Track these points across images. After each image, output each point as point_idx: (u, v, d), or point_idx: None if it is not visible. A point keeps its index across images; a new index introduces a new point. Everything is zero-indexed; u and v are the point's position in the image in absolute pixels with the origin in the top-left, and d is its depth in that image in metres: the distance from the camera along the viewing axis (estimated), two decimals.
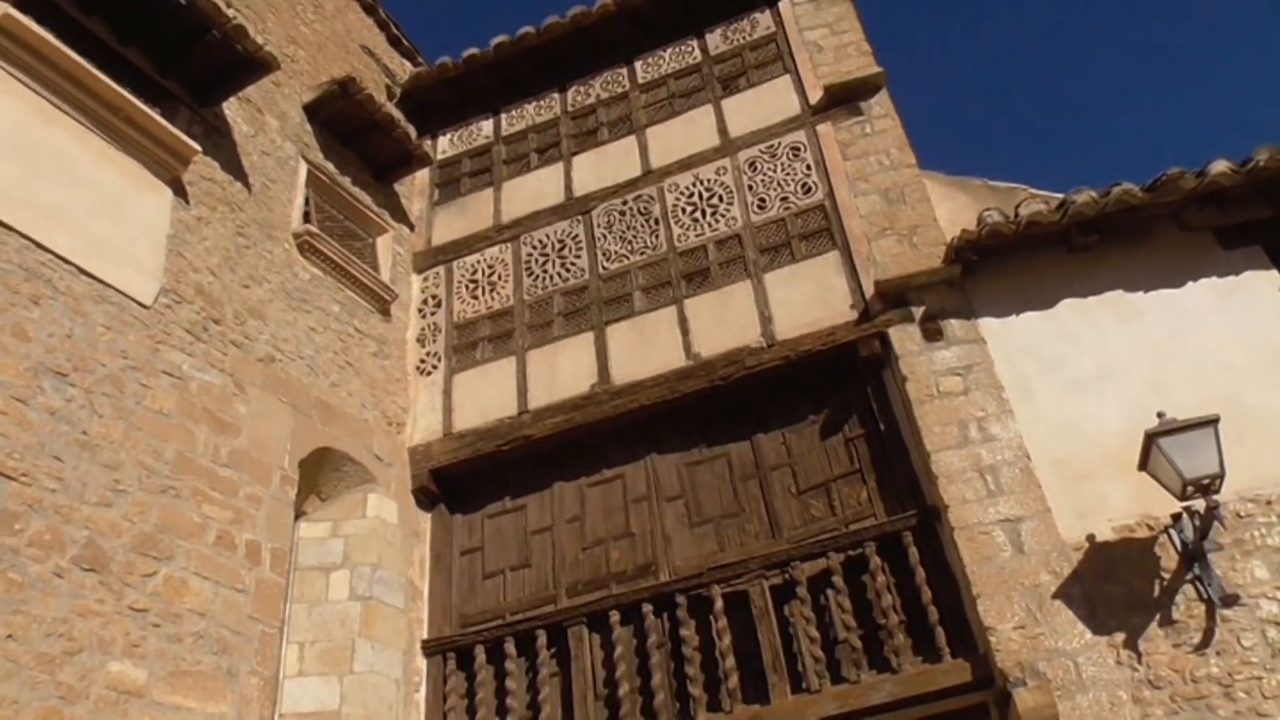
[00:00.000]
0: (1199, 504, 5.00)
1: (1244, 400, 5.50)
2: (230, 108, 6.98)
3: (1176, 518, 5.18)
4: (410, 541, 6.91)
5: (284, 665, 5.74)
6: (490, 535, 7.11)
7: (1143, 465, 5.24)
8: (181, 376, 5.67)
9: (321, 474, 6.60)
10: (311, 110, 7.87)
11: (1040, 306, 6.22)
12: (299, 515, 6.44)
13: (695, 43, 8.60)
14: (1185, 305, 5.98)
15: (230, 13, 6.50)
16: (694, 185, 7.75)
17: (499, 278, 8.05)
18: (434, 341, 7.93)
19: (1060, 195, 6.33)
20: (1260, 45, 19.83)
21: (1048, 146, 21.60)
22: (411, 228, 8.68)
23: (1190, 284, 6.03)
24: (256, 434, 6.00)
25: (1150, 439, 5.13)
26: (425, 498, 7.18)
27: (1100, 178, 17.33)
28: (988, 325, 6.24)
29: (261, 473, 5.93)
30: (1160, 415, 5.20)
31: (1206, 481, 4.95)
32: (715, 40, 8.53)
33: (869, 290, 6.56)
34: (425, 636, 6.66)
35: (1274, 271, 5.95)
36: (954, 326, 6.26)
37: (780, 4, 8.36)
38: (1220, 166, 5.87)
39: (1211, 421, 5.03)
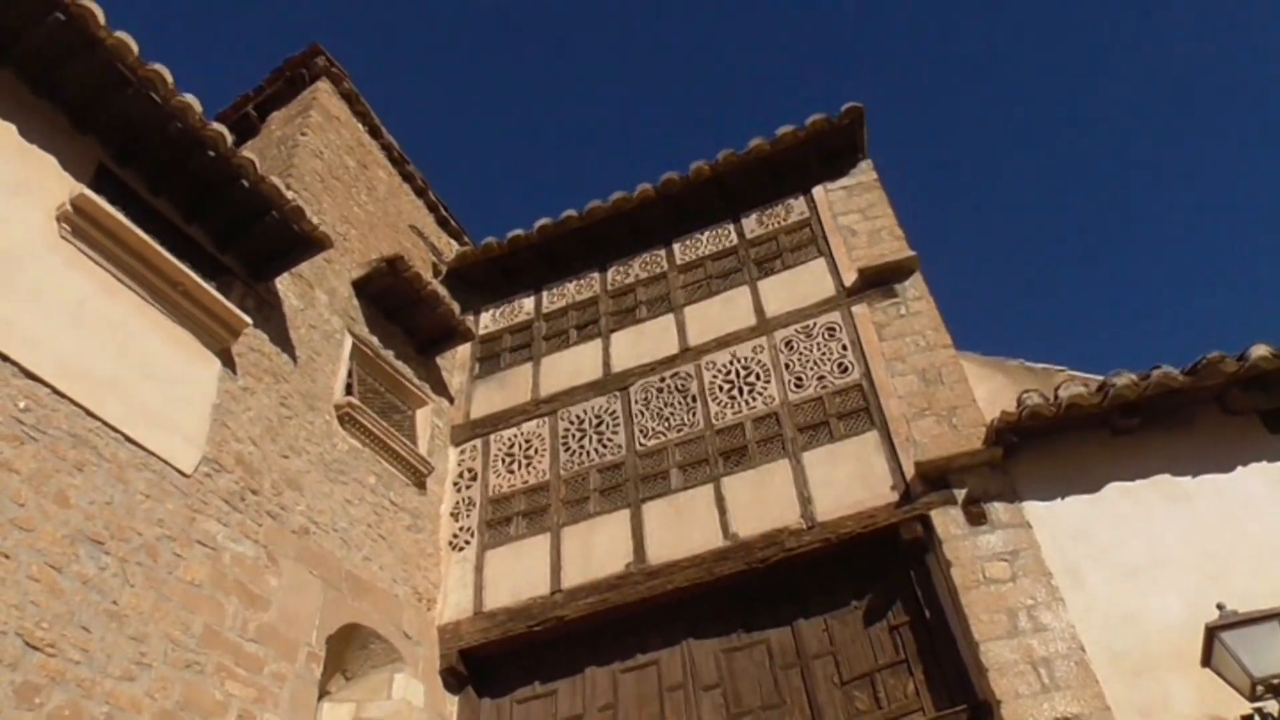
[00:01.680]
0: (1271, 705, 4.72)
1: None
2: (282, 282, 7.28)
3: (1248, 719, 4.88)
4: None
5: None
6: None
7: (1206, 661, 4.97)
8: (215, 547, 5.67)
9: (349, 651, 6.46)
10: (360, 285, 8.19)
11: (1086, 490, 6.13)
12: (322, 695, 6.25)
13: (732, 226, 8.96)
14: (1236, 490, 5.87)
15: (290, 194, 6.86)
16: (731, 363, 7.88)
17: (535, 452, 8.10)
18: (468, 516, 7.90)
19: (1099, 377, 6.36)
20: None
21: (1083, 327, 21.91)
22: (451, 401, 8.84)
23: (1240, 468, 5.94)
24: (286, 608, 5.92)
25: (1212, 633, 4.89)
26: (453, 679, 6.97)
27: (1138, 359, 17.47)
28: (1033, 509, 6.15)
29: (288, 649, 5.81)
30: (1220, 607, 4.98)
31: (1278, 681, 4.69)
32: (751, 224, 8.89)
33: (909, 471, 6.53)
34: None
35: None
36: (998, 510, 6.17)
37: (814, 190, 8.76)
38: (1261, 350, 5.90)
39: (1277, 614, 4.81)
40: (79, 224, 5.61)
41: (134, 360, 5.71)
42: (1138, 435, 6.16)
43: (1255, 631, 4.79)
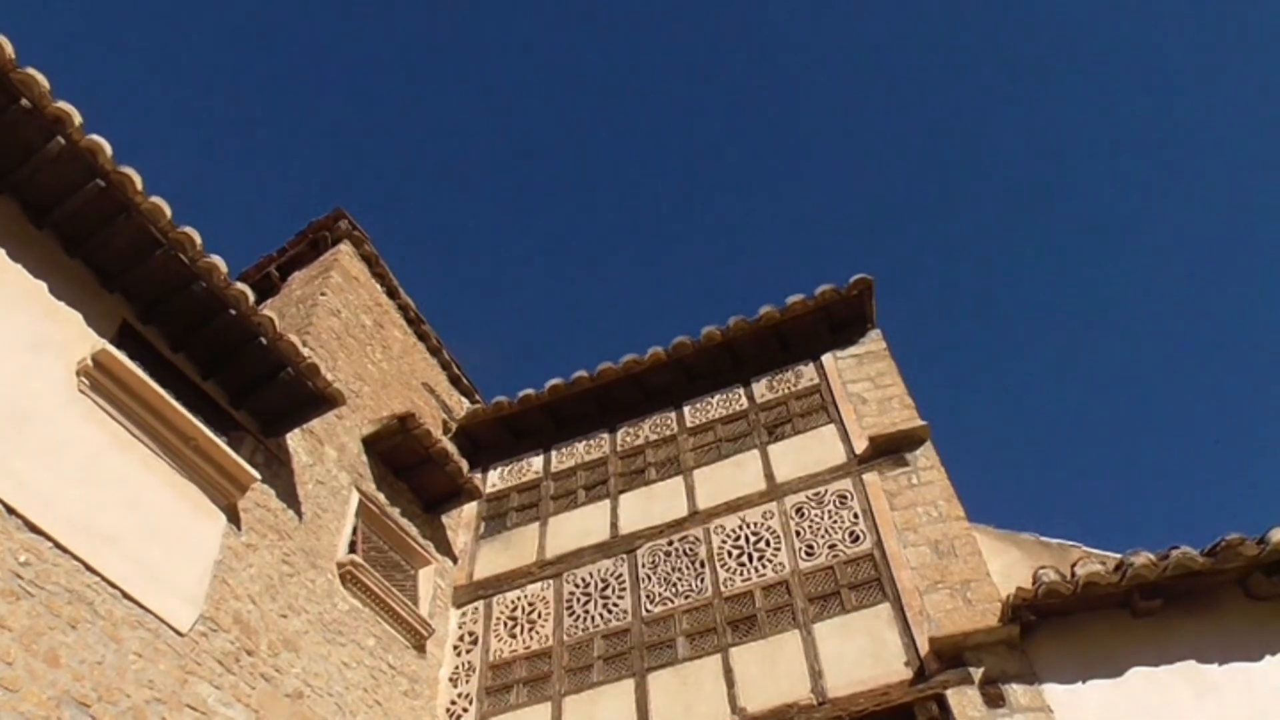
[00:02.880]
0: None
1: None
2: (293, 438, 7.31)
3: None
4: None
5: None
6: None
7: None
8: (206, 711, 5.46)
9: None
10: (370, 442, 8.22)
11: (1108, 674, 5.93)
12: None
13: (742, 390, 9.05)
14: (1266, 681, 5.66)
15: (306, 352, 6.96)
16: (740, 528, 7.80)
17: (539, 616, 7.92)
18: (467, 682, 7.66)
19: (1116, 555, 6.27)
20: None
21: (1097, 502, 21.65)
22: (455, 560, 8.72)
23: (1268, 658, 5.76)
24: None
25: None
26: None
27: (1153, 537, 17.21)
28: (1053, 692, 5.93)
29: None
30: None
31: None
32: (761, 389, 8.98)
33: (924, 647, 6.34)
34: None
35: None
36: (1017, 692, 5.96)
37: (824, 358, 8.89)
38: (1279, 535, 5.81)
39: None
40: (98, 379, 5.69)
41: (140, 515, 5.67)
42: (1160, 618, 6.00)
43: None
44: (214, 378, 6.69)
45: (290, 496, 7.04)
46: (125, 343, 6.06)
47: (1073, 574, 6.11)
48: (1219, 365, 21.63)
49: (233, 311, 6.33)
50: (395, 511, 8.18)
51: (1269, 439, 20.55)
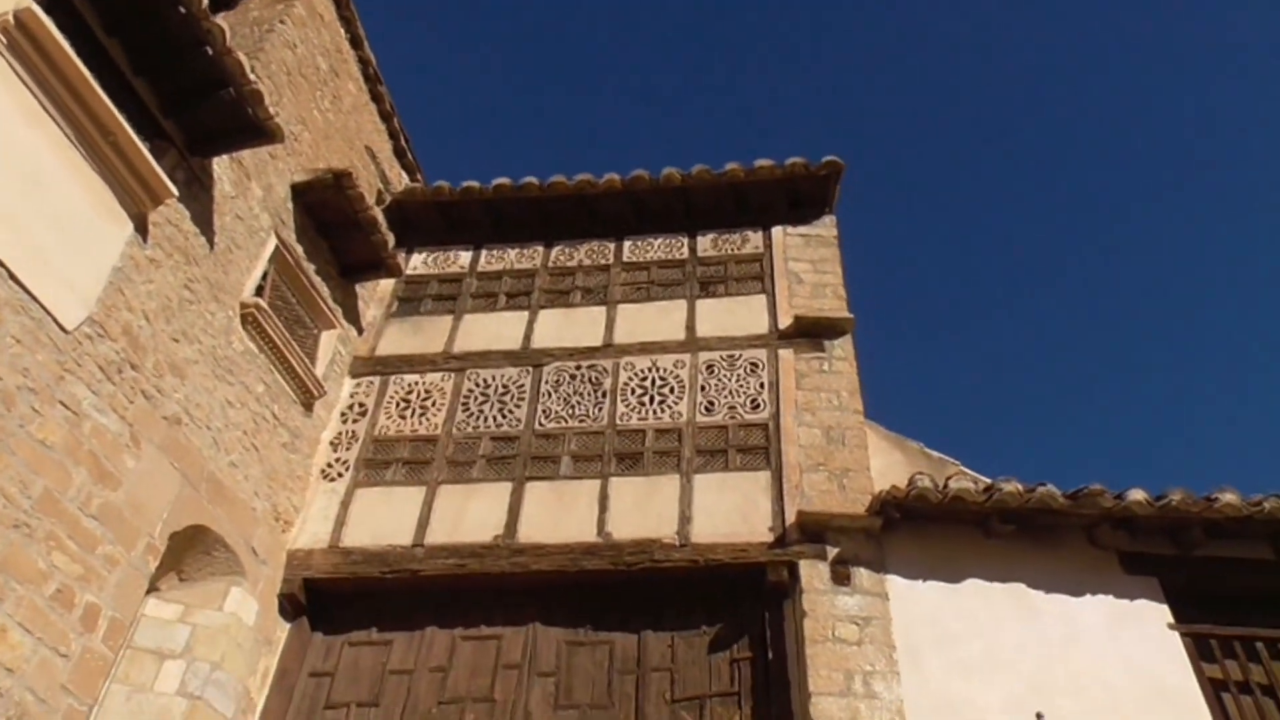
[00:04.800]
0: None
1: None
2: (220, 164, 6.97)
3: None
4: (260, 648, 6.48)
5: None
6: (346, 664, 6.72)
7: None
8: (79, 412, 5.38)
9: (191, 553, 6.24)
10: (299, 191, 7.93)
11: (947, 579, 6.38)
12: (151, 589, 6.02)
13: (686, 240, 9.04)
14: (1081, 616, 6.19)
15: (253, 76, 6.54)
16: (650, 370, 7.94)
17: (433, 404, 7.99)
18: (348, 449, 7.74)
19: (989, 480, 6.64)
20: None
21: (989, 431, 22.70)
22: (360, 332, 8.65)
23: (1089, 596, 6.28)
24: (136, 493, 5.67)
25: None
26: (290, 606, 6.82)
27: (1027, 470, 18.22)
28: (894, 583, 6.36)
29: (128, 535, 5.57)
30: (1039, 716, 5.30)
31: None
32: (705, 244, 8.99)
33: (790, 518, 6.68)
34: None
35: (1165, 607, 6.24)
36: (863, 576, 6.37)
37: (774, 229, 8.91)
38: (1137, 495, 6.25)
39: None
40: (17, 40, 5.18)
41: (42, 200, 5.33)
42: (1008, 541, 6.45)
43: None
44: (146, 77, 6.21)
45: (205, 223, 6.78)
46: (55, 11, 5.57)
47: (945, 486, 6.47)
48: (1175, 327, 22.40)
49: (181, 9, 5.85)
50: (311, 268, 8.00)
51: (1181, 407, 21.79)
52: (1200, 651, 6.07)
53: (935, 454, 7.31)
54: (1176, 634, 6.09)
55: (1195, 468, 23.21)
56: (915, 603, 6.26)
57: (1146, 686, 5.84)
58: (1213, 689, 5.90)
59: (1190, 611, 6.24)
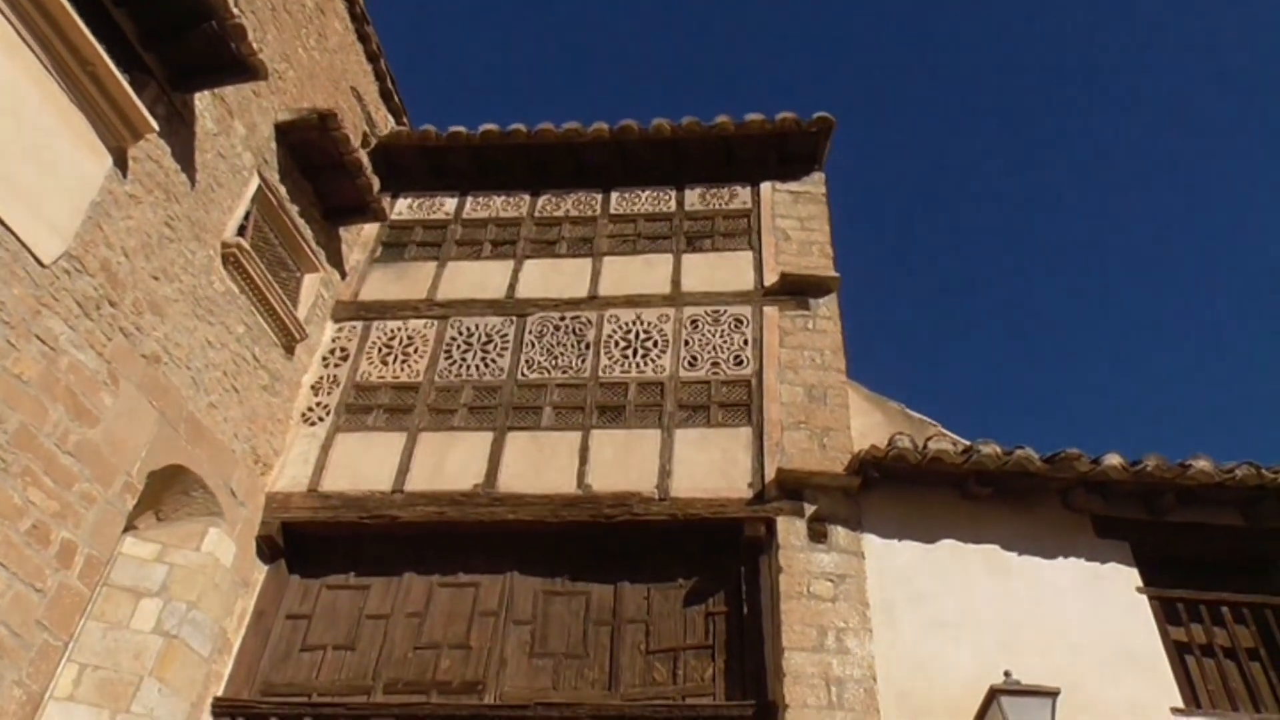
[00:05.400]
0: None
1: (1084, 683, 5.74)
2: (202, 100, 6.85)
3: None
4: (237, 589, 6.51)
5: (56, 684, 5.21)
6: (323, 607, 6.77)
7: (980, 717, 5.40)
8: (56, 348, 5.33)
9: (169, 493, 6.23)
10: (283, 131, 7.82)
11: (922, 539, 6.46)
12: (128, 528, 6.01)
13: (674, 194, 9.00)
14: (1052, 578, 6.30)
15: (236, 10, 6.44)
16: (634, 323, 7.93)
17: (415, 351, 7.96)
18: (329, 394, 7.72)
19: (967, 442, 6.70)
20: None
21: (971, 389, 22.82)
22: (344, 276, 8.59)
23: (1060, 559, 6.38)
24: (114, 431, 5.64)
25: (994, 694, 5.34)
26: (268, 548, 6.83)
27: (1006, 432, 18.28)
28: (870, 542, 6.44)
29: (105, 472, 5.55)
30: (1007, 674, 5.41)
31: None
32: (693, 197, 8.95)
33: (770, 475, 6.72)
34: (220, 694, 6.19)
35: (1135, 571, 6.35)
36: (839, 534, 6.43)
37: (763, 185, 8.86)
38: (1113, 460, 6.33)
39: (1053, 694, 5.26)
40: None
41: (18, 129, 5.22)
42: (984, 503, 6.53)
43: (1030, 703, 5.26)
44: (126, 7, 6.07)
45: (186, 160, 6.67)
46: None
47: (925, 447, 6.52)
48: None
49: None
50: (294, 210, 7.91)
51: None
52: (1167, 615, 6.20)
53: (916, 415, 7.36)
54: (1144, 597, 6.20)
55: (1168, 435, 23.47)
56: (890, 561, 6.34)
57: (1113, 647, 5.97)
58: (1177, 651, 6.05)
59: (1159, 576, 6.37)
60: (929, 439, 6.67)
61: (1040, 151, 23.02)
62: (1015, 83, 23.27)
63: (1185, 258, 22.37)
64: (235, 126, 7.27)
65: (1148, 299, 22.52)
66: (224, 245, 6.93)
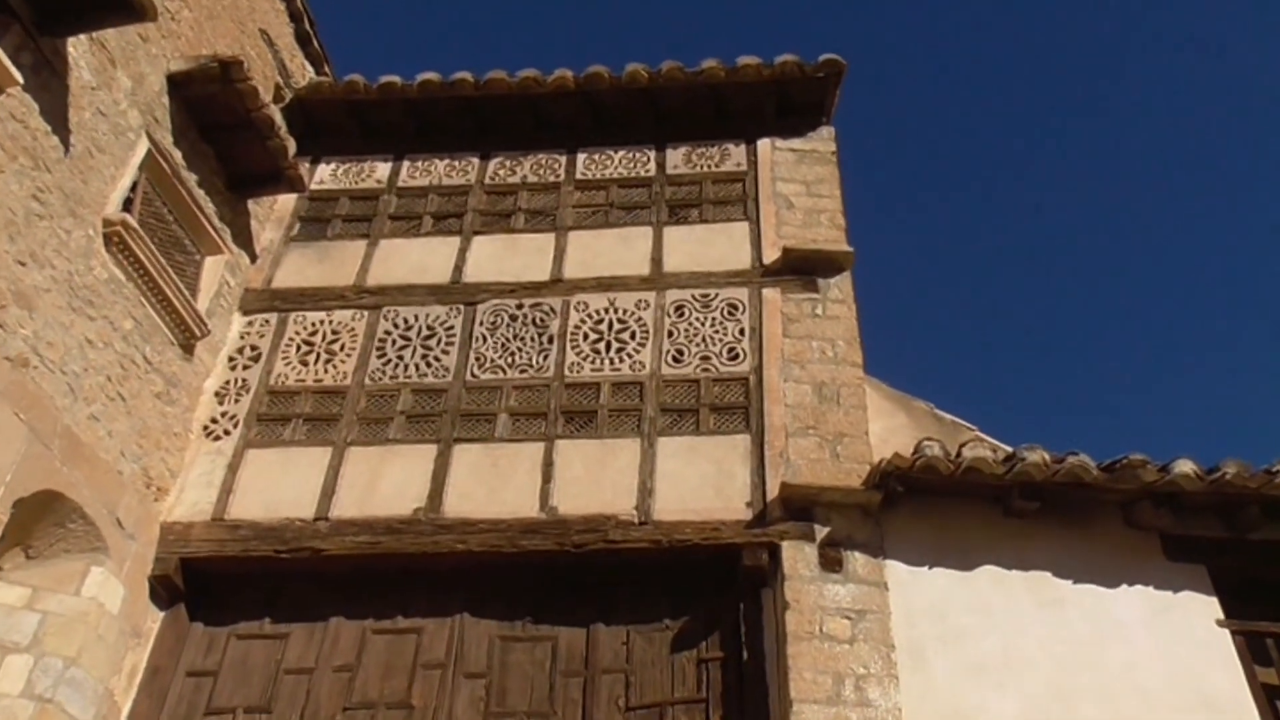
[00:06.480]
0: None
1: None
2: (77, 46, 6.76)
3: None
4: (126, 641, 6.44)
5: None
6: (233, 661, 6.71)
7: None
8: None
9: (40, 525, 6.14)
10: (177, 83, 7.75)
11: (958, 566, 6.46)
12: None
13: (653, 154, 9.00)
14: (1114, 610, 6.29)
15: None
16: (606, 311, 7.92)
17: (342, 348, 7.93)
18: (236, 401, 7.68)
19: (1009, 448, 6.69)
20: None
21: (1007, 391, 22.80)
22: (254, 259, 8.56)
23: (1125, 587, 6.38)
24: None
25: None
26: (164, 590, 6.79)
27: (1057, 439, 18.32)
28: (895, 570, 6.42)
29: None
30: None
31: None
32: (676, 158, 8.95)
33: (772, 491, 6.71)
34: None
35: (1215, 600, 6.35)
36: (857, 561, 6.42)
37: (760, 142, 8.87)
38: (1185, 468, 6.32)
39: None
40: None
41: None
42: (1030, 521, 6.51)
43: None
44: None
45: (59, 119, 6.59)
46: None
47: (959, 454, 6.51)
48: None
49: None
50: (192, 179, 7.85)
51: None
52: (1254, 653, 6.20)
53: (947, 416, 7.37)
54: (1226, 631, 6.20)
55: (1247, 439, 23.54)
56: (919, 593, 6.32)
57: (1189, 693, 5.96)
58: (1267, 697, 6.04)
59: (1243, 606, 6.36)
60: (963, 445, 6.66)
61: (1106, 100, 23.06)
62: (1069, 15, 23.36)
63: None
64: (119, 78, 7.20)
65: (1231, 284, 22.51)
66: (106, 223, 6.87)
